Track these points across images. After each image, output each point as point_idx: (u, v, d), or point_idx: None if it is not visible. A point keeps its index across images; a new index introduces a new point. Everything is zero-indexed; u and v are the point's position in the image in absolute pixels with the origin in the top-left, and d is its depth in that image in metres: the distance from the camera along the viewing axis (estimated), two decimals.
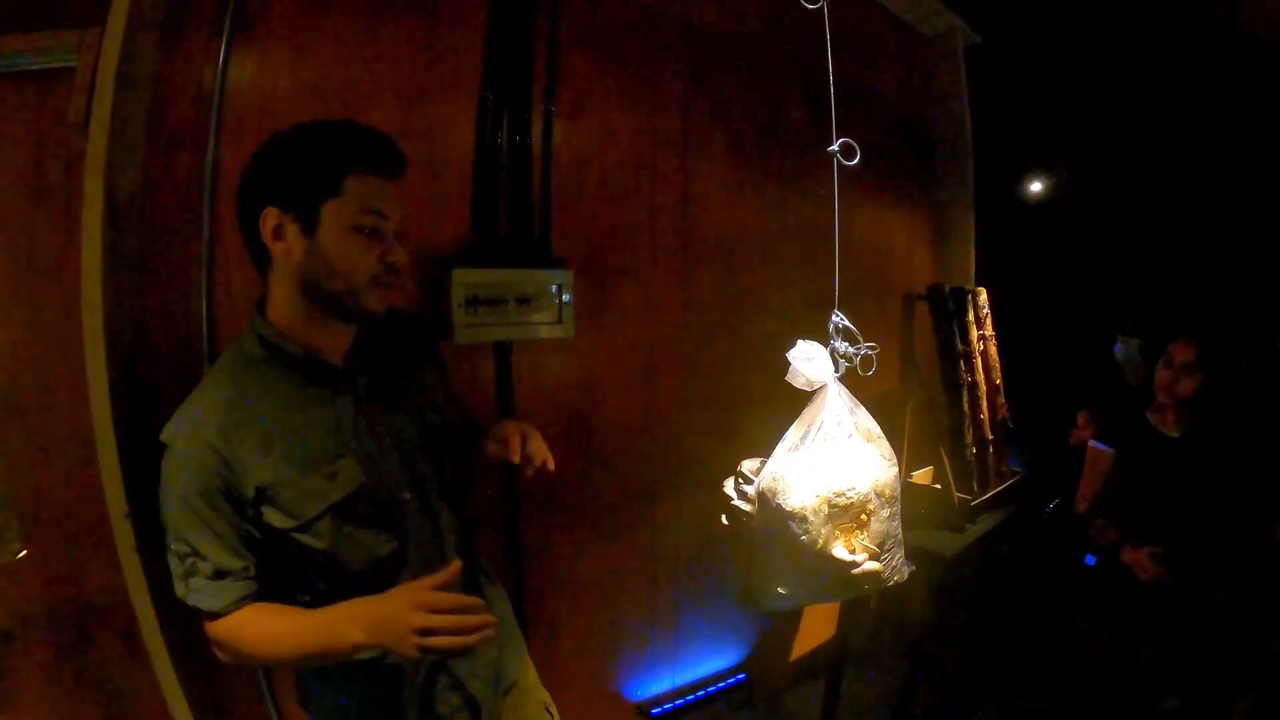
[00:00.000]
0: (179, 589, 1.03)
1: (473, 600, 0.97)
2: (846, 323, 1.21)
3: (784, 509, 1.12)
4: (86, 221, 1.42)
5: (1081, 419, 2.84)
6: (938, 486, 2.65)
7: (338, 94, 1.68)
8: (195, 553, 1.01)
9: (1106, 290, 4.14)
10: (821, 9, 1.27)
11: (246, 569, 1.03)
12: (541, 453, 1.25)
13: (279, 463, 1.02)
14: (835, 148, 1.22)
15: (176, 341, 1.55)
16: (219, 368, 1.09)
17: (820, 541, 1.11)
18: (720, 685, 2.52)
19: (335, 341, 1.11)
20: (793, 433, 1.19)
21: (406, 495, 1.14)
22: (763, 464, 1.22)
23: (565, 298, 1.91)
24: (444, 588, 0.96)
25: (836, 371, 1.18)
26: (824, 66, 1.24)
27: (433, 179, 1.78)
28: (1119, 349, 3.46)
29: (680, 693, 2.43)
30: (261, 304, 1.11)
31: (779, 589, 1.15)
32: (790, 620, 2.76)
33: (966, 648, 2.85)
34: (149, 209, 1.52)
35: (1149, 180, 4.11)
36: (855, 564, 1.12)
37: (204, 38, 1.57)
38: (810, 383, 1.16)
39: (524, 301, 1.84)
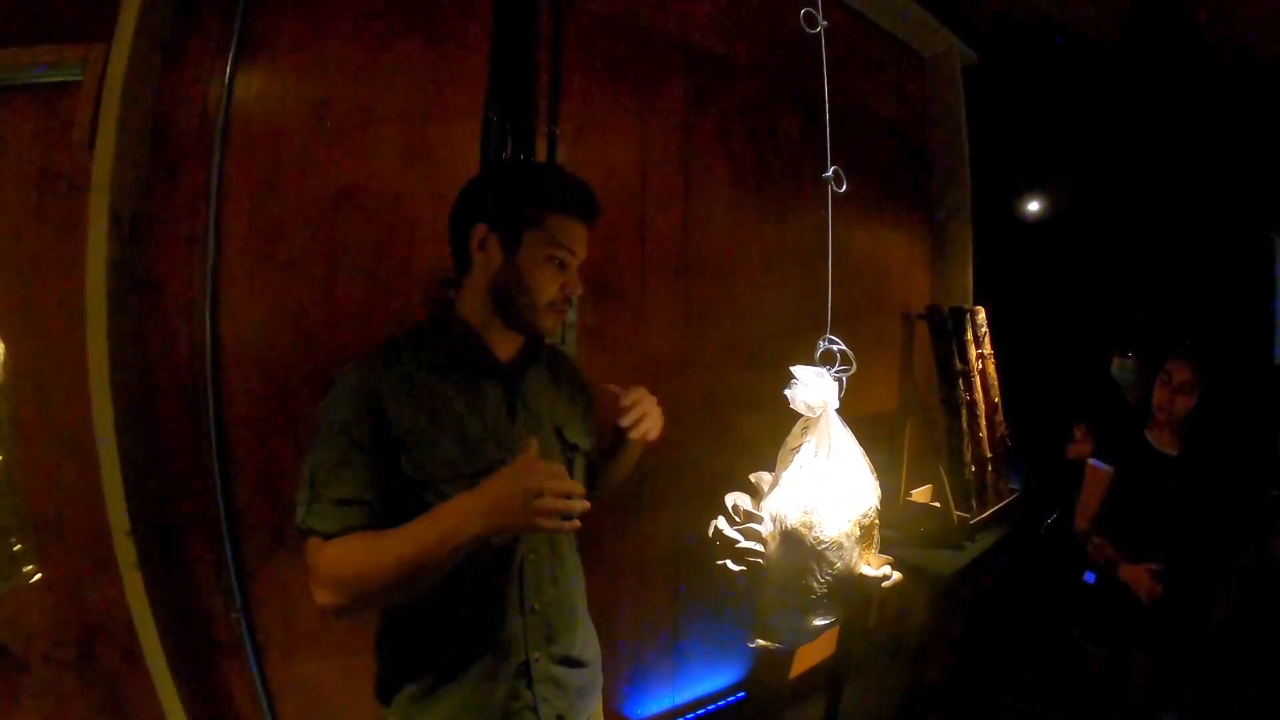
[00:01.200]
0: (299, 515, 1.07)
1: (573, 484, 1.03)
2: (842, 346, 1.21)
3: (822, 541, 1.12)
4: (91, 238, 1.43)
5: (1079, 431, 2.85)
6: (937, 505, 2.65)
7: (343, 114, 1.70)
8: (328, 479, 1.07)
9: (1104, 308, 4.17)
10: (821, 36, 1.29)
11: (369, 503, 1.08)
12: (652, 424, 1.38)
13: (424, 421, 1.12)
14: (829, 174, 1.22)
15: (179, 357, 1.56)
16: (385, 343, 1.20)
17: (851, 565, 1.12)
18: (720, 704, 2.51)
19: (505, 345, 1.24)
20: (798, 459, 1.17)
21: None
22: (755, 499, 1.19)
23: (569, 317, 1.92)
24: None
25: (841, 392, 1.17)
26: (821, 86, 1.25)
27: (437, 199, 1.79)
28: (1116, 367, 3.48)
29: (680, 711, 2.42)
30: (450, 302, 1.24)
31: (810, 621, 1.14)
32: None
33: (965, 664, 2.84)
34: (153, 225, 1.54)
35: (1145, 198, 4.15)
36: (884, 577, 1.14)
37: (210, 56, 1.59)
38: (811, 407, 1.16)
39: None
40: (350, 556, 1.03)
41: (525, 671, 1.20)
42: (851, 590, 1.13)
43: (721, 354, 2.42)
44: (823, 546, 1.10)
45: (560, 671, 1.26)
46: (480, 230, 1.17)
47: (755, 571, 1.13)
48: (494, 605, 1.18)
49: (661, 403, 2.24)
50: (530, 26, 1.90)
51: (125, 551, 1.45)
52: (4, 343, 1.17)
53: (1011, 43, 3.39)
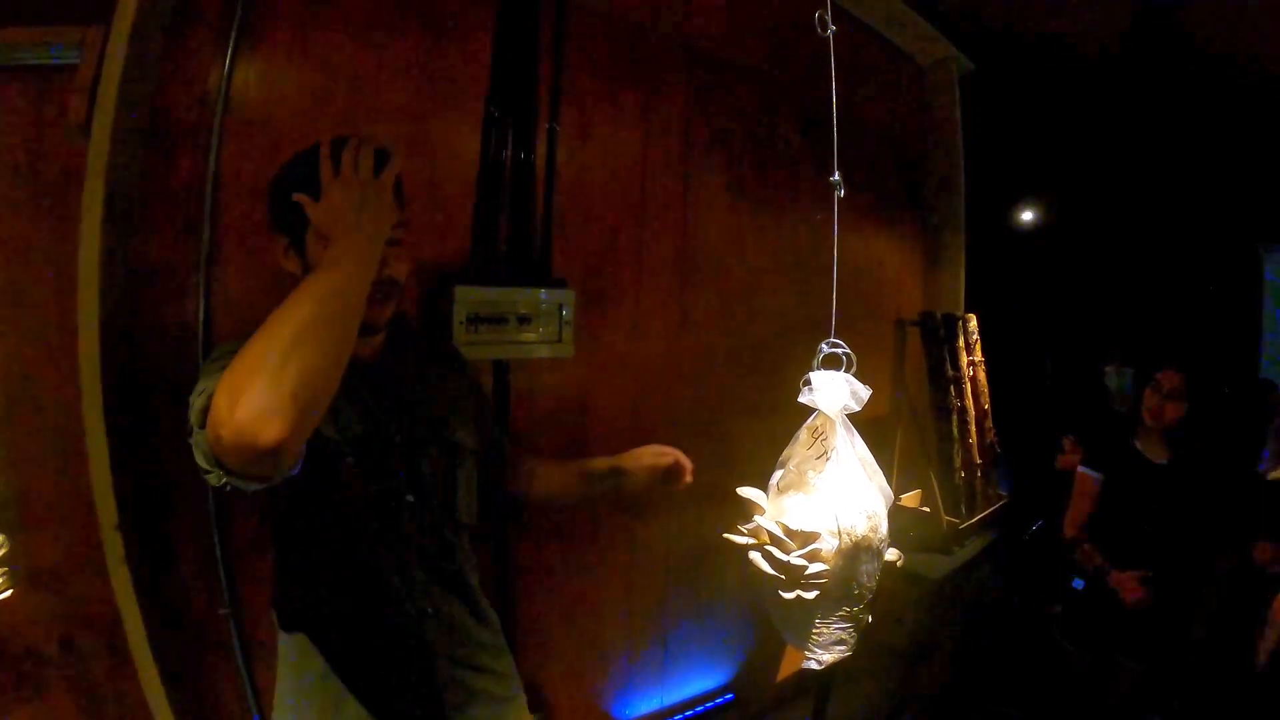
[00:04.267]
0: (193, 416, 0.89)
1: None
2: (846, 349, 1.19)
3: (884, 541, 1.11)
4: (85, 223, 1.40)
5: (1068, 443, 2.88)
6: (926, 509, 2.67)
7: (342, 105, 1.68)
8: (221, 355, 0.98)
9: (1094, 317, 4.21)
10: (828, 39, 1.28)
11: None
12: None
13: None
14: (836, 178, 1.21)
15: (172, 348, 1.53)
16: None
17: (884, 556, 1.12)
18: (708, 705, 2.50)
19: (364, 346, 1.15)
20: (835, 466, 1.13)
21: (410, 497, 1.16)
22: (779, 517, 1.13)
23: (566, 317, 1.91)
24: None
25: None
26: (820, 93, 1.25)
27: (436, 195, 1.78)
28: (1110, 377, 3.53)
29: (669, 712, 2.41)
30: None
31: (863, 622, 1.12)
32: (777, 639, 2.75)
33: (952, 669, 2.86)
34: (148, 212, 1.51)
35: (1135, 209, 4.20)
36: (897, 558, 1.13)
37: (209, 43, 1.56)
38: (846, 409, 1.14)
39: (524, 320, 1.84)
40: (241, 359, 0.81)
41: (431, 679, 1.19)
42: (880, 581, 1.12)
43: (717, 358, 2.43)
44: (881, 545, 1.08)
45: (471, 677, 1.24)
46: (279, 241, 1.09)
47: (823, 592, 1.05)
48: (390, 614, 1.15)
49: (656, 406, 2.26)
50: (533, 24, 1.89)
51: (113, 546, 1.42)
52: None
53: (1008, 53, 3.42)
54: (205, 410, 0.83)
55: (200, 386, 0.91)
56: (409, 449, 1.17)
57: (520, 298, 1.83)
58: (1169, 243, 4.21)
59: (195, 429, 0.88)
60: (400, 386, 1.20)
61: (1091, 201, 4.29)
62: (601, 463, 1.43)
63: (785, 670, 2.80)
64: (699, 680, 2.52)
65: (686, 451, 1.49)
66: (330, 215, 0.92)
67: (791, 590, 1.02)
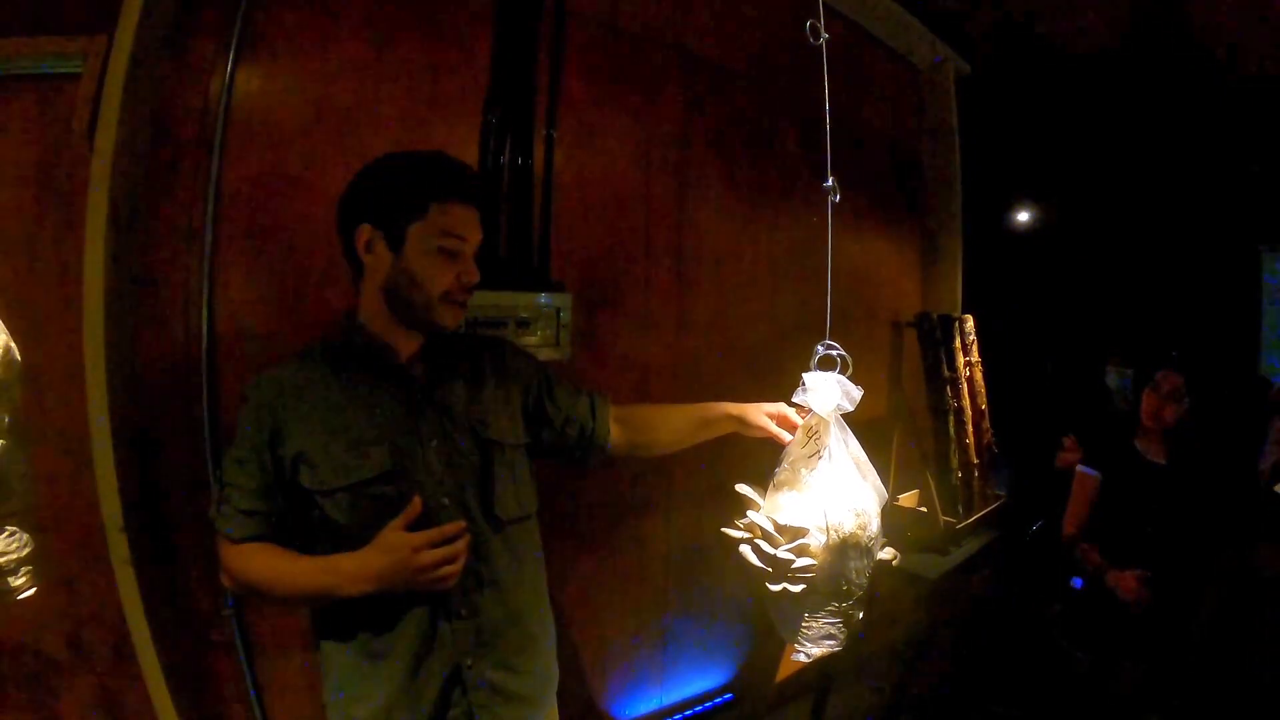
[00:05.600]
0: (211, 510, 1.16)
1: (450, 527, 1.11)
2: (841, 351, 1.21)
3: (872, 538, 1.12)
4: (90, 231, 1.42)
5: (1068, 442, 2.89)
6: (923, 510, 2.68)
7: (343, 112, 1.70)
8: (234, 486, 1.13)
9: (1091, 318, 4.22)
10: (823, 48, 1.30)
11: (268, 514, 1.14)
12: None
13: (319, 432, 1.13)
14: (830, 183, 1.23)
15: (175, 353, 1.55)
16: (302, 350, 1.23)
17: (876, 554, 1.14)
18: (708, 705, 2.52)
19: (408, 346, 1.23)
20: (826, 464, 1.15)
21: (445, 500, 1.18)
22: (772, 513, 1.15)
23: (564, 320, 1.93)
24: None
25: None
26: (816, 96, 1.26)
27: None
28: (1112, 378, 3.54)
29: (668, 712, 2.43)
30: (353, 310, 1.24)
31: (854, 618, 1.14)
32: (776, 639, 2.77)
33: (951, 668, 2.87)
34: (151, 221, 1.53)
35: (1134, 210, 4.21)
36: (893, 557, 1.16)
37: (211, 52, 1.59)
38: (840, 408, 1.16)
39: (523, 324, 1.86)
40: (253, 565, 1.13)
41: (458, 678, 1.18)
42: (874, 578, 1.14)
43: (715, 359, 2.44)
44: (870, 543, 1.11)
45: (501, 678, 1.23)
46: (364, 231, 1.15)
47: (811, 586, 1.09)
48: (417, 609, 1.16)
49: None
50: (531, 30, 1.91)
51: (118, 547, 1.44)
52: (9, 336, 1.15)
53: (1005, 55, 3.43)
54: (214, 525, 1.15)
55: (215, 494, 1.17)
56: (446, 454, 1.20)
57: (519, 301, 1.85)
58: (1168, 243, 4.22)
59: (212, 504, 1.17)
60: (435, 389, 1.23)
61: (1090, 202, 4.30)
62: (719, 409, 1.45)
63: (785, 670, 2.81)
64: (699, 680, 2.54)
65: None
66: (383, 561, 1.08)
67: (778, 583, 1.07)
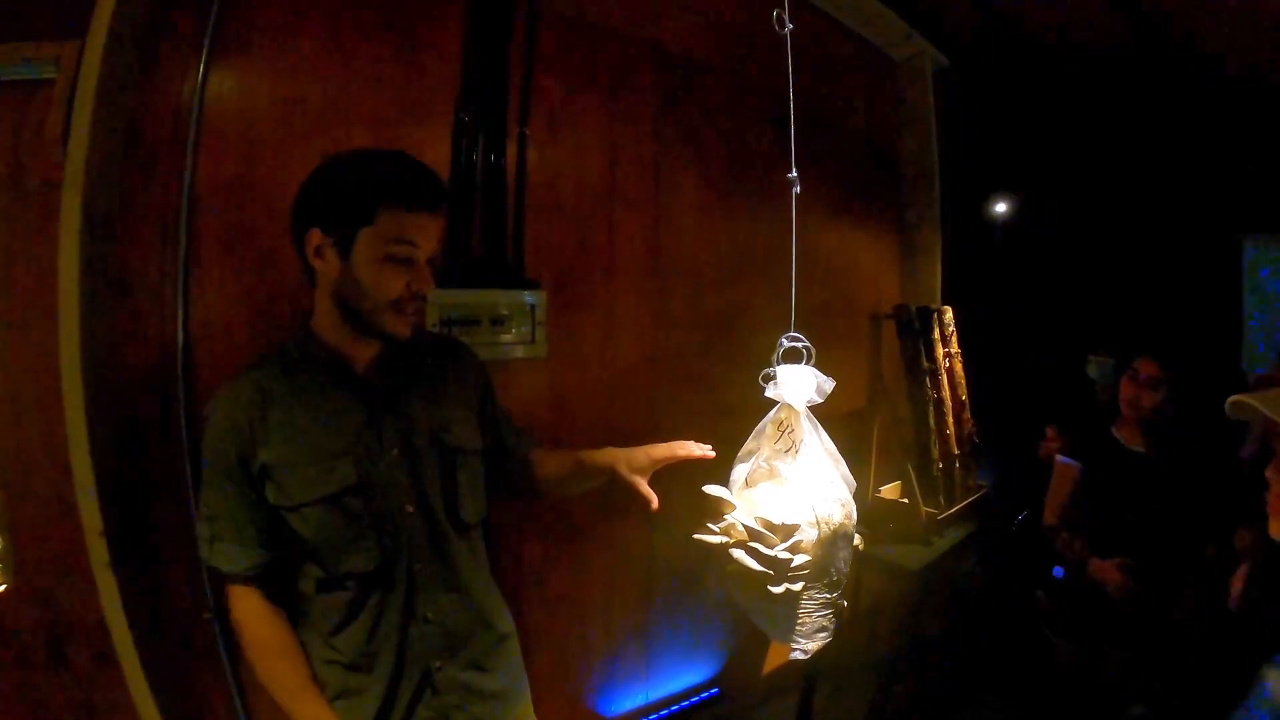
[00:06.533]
0: (203, 550, 1.15)
1: None
2: (806, 343, 1.22)
3: (857, 527, 1.13)
4: (64, 237, 1.42)
5: (1050, 432, 2.91)
6: (905, 501, 2.69)
7: (315, 113, 1.71)
8: (218, 516, 1.13)
9: (1070, 308, 4.25)
10: (786, 38, 1.31)
11: (260, 539, 1.14)
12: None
13: (284, 448, 1.12)
14: (794, 174, 1.24)
15: (151, 357, 1.56)
16: (257, 362, 1.20)
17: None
18: (693, 700, 2.53)
19: (364, 354, 1.21)
20: (808, 458, 1.16)
21: (410, 508, 1.19)
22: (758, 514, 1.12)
23: (539, 318, 1.94)
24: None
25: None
26: (789, 90, 1.28)
27: None
28: (1092, 367, 3.56)
29: (653, 708, 2.44)
30: (306, 315, 1.22)
31: (839, 606, 1.14)
32: (762, 634, 2.79)
33: (936, 658, 2.89)
34: (126, 224, 1.54)
35: (1113, 201, 4.24)
36: (858, 545, 1.17)
37: (183, 55, 1.59)
38: (812, 401, 1.16)
39: (498, 322, 1.87)
40: (249, 629, 1.16)
41: (429, 681, 1.20)
42: (857, 569, 1.15)
43: (691, 355, 2.46)
44: (854, 532, 1.13)
45: (471, 677, 1.25)
46: (314, 236, 1.12)
47: (806, 582, 1.09)
48: (387, 617, 1.18)
49: (631, 404, 2.28)
50: (503, 28, 1.92)
51: (98, 552, 1.45)
52: None
53: (982, 47, 3.46)
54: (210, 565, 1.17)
55: (201, 516, 1.18)
56: (409, 461, 1.20)
57: (493, 299, 1.86)
58: (1149, 233, 4.25)
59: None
60: (396, 397, 1.22)
61: (1070, 193, 4.33)
62: (600, 458, 1.41)
63: (770, 665, 2.83)
64: (683, 676, 2.55)
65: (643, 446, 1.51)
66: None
67: (780, 584, 1.04)
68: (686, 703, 2.52)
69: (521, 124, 1.95)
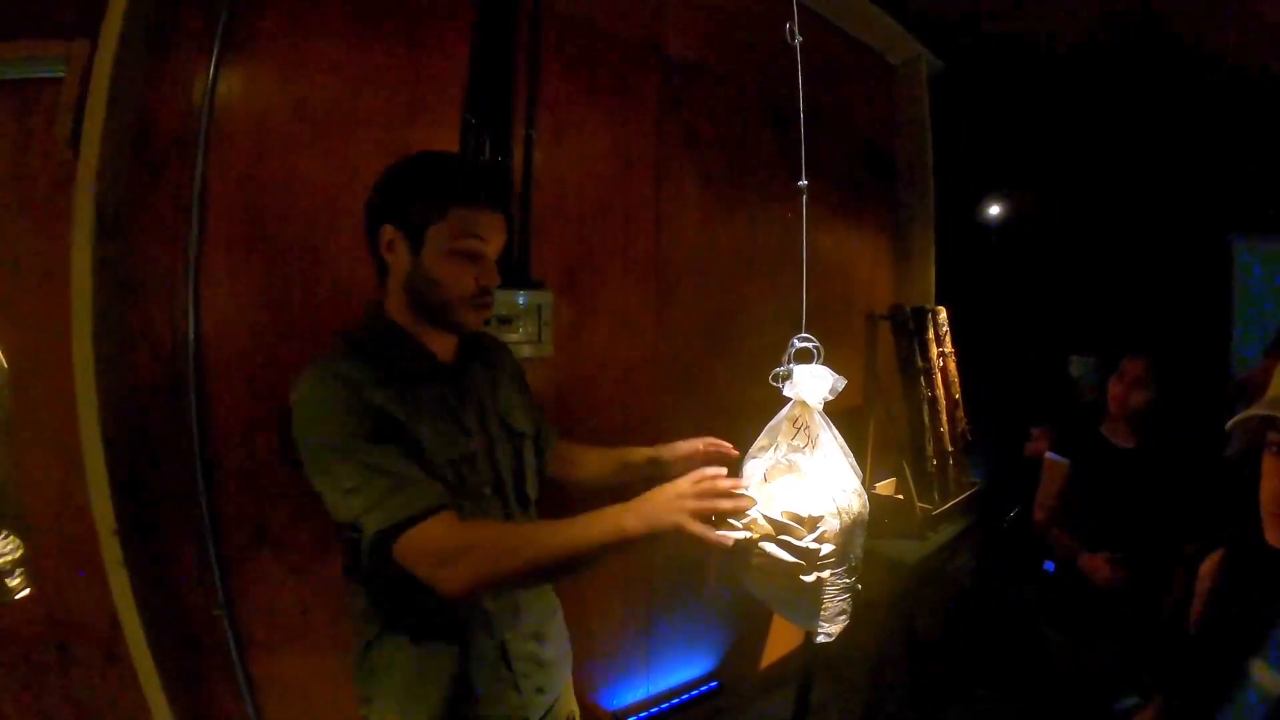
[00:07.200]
0: (375, 518, 1.01)
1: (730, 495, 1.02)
2: (816, 343, 1.26)
3: (868, 513, 1.19)
4: (76, 236, 1.43)
5: (1036, 432, 2.95)
6: (900, 497, 2.73)
7: (324, 115, 1.72)
8: (383, 473, 1.03)
9: (1061, 308, 4.30)
10: (796, 50, 1.34)
11: (431, 476, 1.09)
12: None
13: (411, 414, 1.12)
14: (803, 183, 1.28)
15: (163, 355, 1.57)
16: (337, 349, 1.17)
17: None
18: (693, 693, 2.57)
19: (440, 344, 1.23)
20: (825, 452, 1.21)
21: (487, 490, 1.24)
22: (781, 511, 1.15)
23: (545, 318, 1.96)
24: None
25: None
26: (789, 92, 1.30)
27: None
28: (1074, 366, 3.61)
29: (654, 701, 2.47)
30: (379, 304, 1.23)
31: (856, 589, 1.19)
32: (759, 628, 2.83)
33: (931, 651, 2.93)
34: (136, 225, 1.54)
35: (1104, 202, 4.29)
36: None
37: (192, 56, 1.60)
38: (824, 399, 1.21)
39: (505, 322, 1.89)
40: (482, 539, 1.03)
41: (503, 652, 1.25)
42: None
43: (693, 353, 2.49)
44: (867, 518, 1.17)
45: (534, 647, 1.31)
46: (387, 232, 1.16)
47: (831, 569, 1.13)
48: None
49: (634, 400, 2.31)
50: (509, 32, 1.94)
51: (111, 550, 1.46)
52: None
53: (977, 51, 3.49)
54: (383, 528, 1.00)
55: (355, 488, 1.03)
56: (487, 445, 1.25)
57: (500, 299, 1.87)
58: (1139, 233, 4.30)
59: (364, 531, 1.02)
60: (474, 386, 1.28)
61: (1062, 194, 4.37)
62: (639, 452, 1.47)
63: (769, 658, 2.87)
64: (684, 669, 2.58)
65: (663, 441, 1.55)
66: (662, 507, 0.99)
67: (812, 574, 1.09)
68: (686, 696, 2.55)
69: (528, 126, 1.96)
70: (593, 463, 1.53)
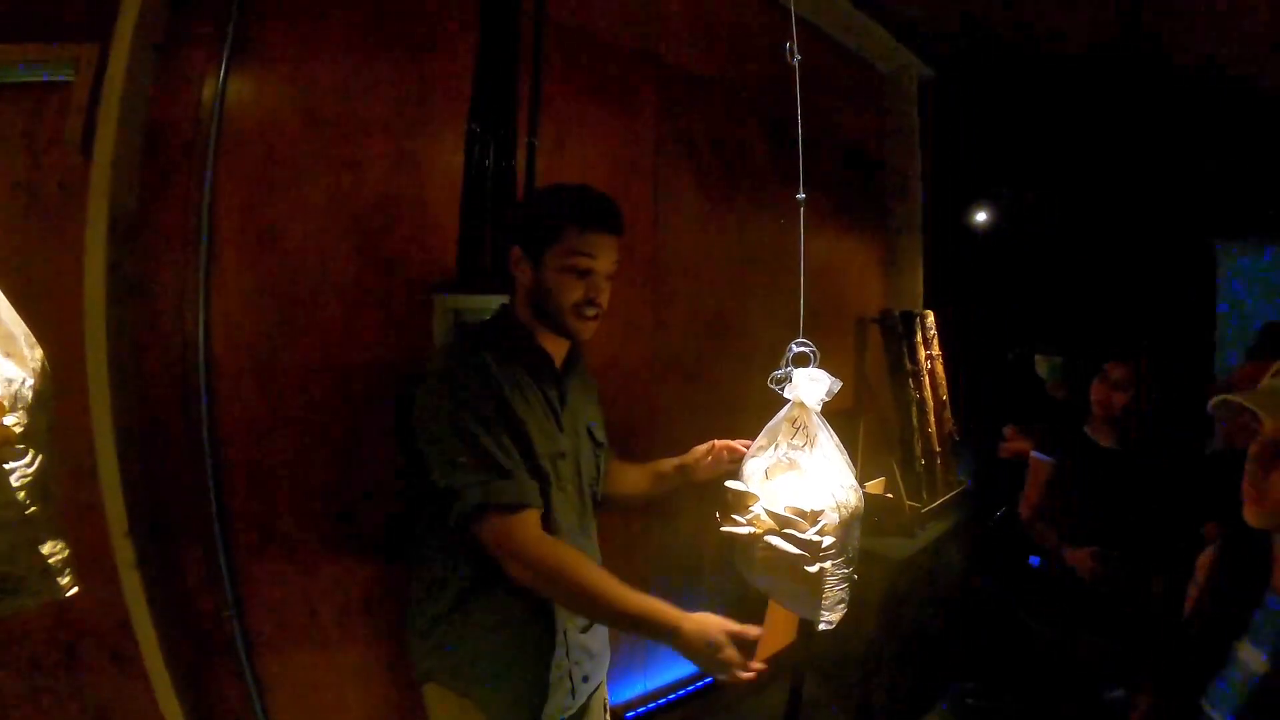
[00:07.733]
0: (476, 493, 1.17)
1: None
2: (813, 347, 1.34)
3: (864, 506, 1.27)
4: (89, 241, 1.44)
5: (1009, 432, 3.02)
6: (889, 496, 2.79)
7: (333, 121, 1.74)
8: (495, 455, 1.19)
9: (1048, 311, 4.38)
10: (794, 62, 1.40)
11: (530, 472, 1.25)
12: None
13: (525, 408, 1.28)
14: (802, 196, 1.37)
15: (174, 358, 1.58)
16: (460, 343, 1.42)
17: None
18: (690, 689, 2.60)
19: (555, 350, 1.41)
20: (824, 451, 1.28)
21: (569, 487, 1.38)
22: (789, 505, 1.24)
23: None
24: None
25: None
26: (784, 100, 1.36)
27: (420, 207, 1.85)
28: (1040, 366, 3.69)
29: (651, 697, 2.51)
30: (508, 310, 1.41)
31: (853, 576, 1.26)
32: (754, 622, 2.86)
33: (918, 646, 2.98)
34: (147, 229, 1.56)
35: (1091, 208, 4.37)
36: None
37: (202, 61, 1.61)
38: (821, 401, 1.29)
39: None
40: (563, 555, 1.19)
41: (564, 641, 1.36)
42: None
43: (691, 358, 2.53)
44: (862, 513, 1.25)
45: (584, 639, 1.42)
46: (515, 252, 1.34)
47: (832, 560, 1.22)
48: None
49: (636, 407, 2.34)
50: (512, 43, 1.97)
51: (124, 552, 1.47)
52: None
53: (966, 59, 3.54)
54: (480, 503, 1.17)
55: (466, 463, 1.19)
56: (574, 448, 1.41)
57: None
58: (1125, 238, 4.37)
59: (462, 499, 1.18)
60: (571, 393, 1.43)
61: (1050, 200, 4.44)
62: (667, 463, 1.61)
63: (763, 654, 2.90)
64: (680, 665, 2.61)
65: (666, 448, 1.61)
66: (695, 640, 1.14)
67: (815, 565, 1.19)
68: (683, 691, 2.59)
69: (530, 134, 2.00)
70: (631, 478, 1.66)
